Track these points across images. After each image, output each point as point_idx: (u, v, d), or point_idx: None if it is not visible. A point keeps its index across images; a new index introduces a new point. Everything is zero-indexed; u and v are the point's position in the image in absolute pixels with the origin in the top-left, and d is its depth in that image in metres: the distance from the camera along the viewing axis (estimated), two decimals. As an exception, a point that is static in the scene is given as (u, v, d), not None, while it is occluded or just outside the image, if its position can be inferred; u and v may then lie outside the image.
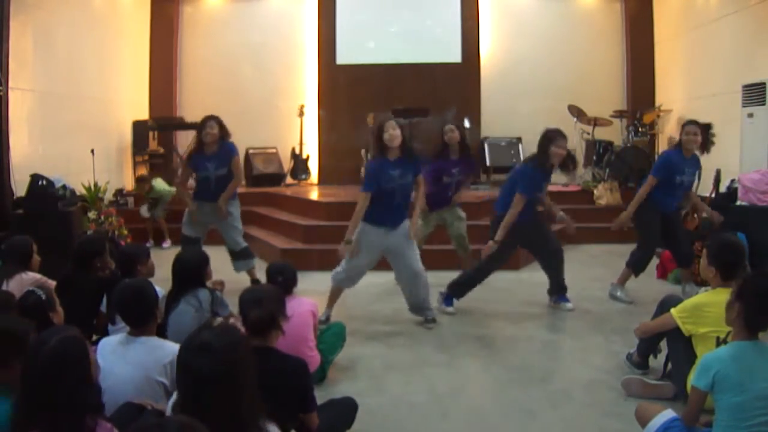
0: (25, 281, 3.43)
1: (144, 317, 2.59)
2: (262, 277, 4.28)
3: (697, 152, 4.94)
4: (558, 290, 4.96)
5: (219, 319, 3.01)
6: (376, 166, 4.33)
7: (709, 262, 3.06)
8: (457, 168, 5.36)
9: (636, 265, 5.09)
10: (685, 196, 5.18)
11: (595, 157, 8.33)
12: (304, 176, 9.27)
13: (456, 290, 4.90)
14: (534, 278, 5.64)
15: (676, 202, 5.09)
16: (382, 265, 4.59)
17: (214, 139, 5.18)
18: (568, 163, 4.74)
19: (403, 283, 4.57)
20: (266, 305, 2.47)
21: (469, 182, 5.98)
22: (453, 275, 5.03)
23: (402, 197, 4.38)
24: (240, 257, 5.52)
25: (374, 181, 4.29)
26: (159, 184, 7.69)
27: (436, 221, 5.56)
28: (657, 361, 3.54)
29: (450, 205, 5.50)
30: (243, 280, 5.58)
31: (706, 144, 4.84)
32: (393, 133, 4.25)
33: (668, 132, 8.66)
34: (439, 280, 5.01)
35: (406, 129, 4.48)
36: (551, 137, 4.58)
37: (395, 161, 4.31)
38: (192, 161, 5.32)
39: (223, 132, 5.22)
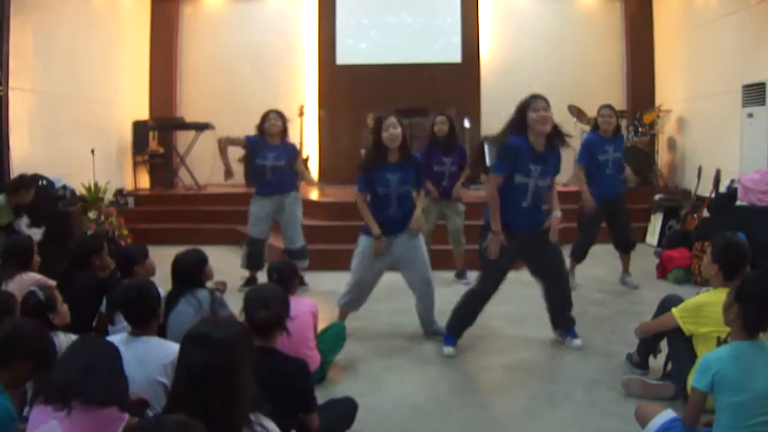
0: (25, 281, 3.43)
1: (146, 317, 2.60)
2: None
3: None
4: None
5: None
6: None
7: (712, 260, 3.05)
8: (449, 159, 5.55)
9: (574, 253, 5.37)
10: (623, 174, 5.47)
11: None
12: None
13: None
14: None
15: (611, 184, 5.25)
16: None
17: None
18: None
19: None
20: (273, 306, 2.46)
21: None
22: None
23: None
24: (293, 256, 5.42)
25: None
26: None
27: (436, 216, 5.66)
28: (657, 361, 3.53)
29: (450, 198, 5.62)
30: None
31: (619, 126, 5.53)
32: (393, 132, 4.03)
33: (668, 132, 8.66)
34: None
35: (406, 128, 4.40)
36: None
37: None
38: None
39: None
